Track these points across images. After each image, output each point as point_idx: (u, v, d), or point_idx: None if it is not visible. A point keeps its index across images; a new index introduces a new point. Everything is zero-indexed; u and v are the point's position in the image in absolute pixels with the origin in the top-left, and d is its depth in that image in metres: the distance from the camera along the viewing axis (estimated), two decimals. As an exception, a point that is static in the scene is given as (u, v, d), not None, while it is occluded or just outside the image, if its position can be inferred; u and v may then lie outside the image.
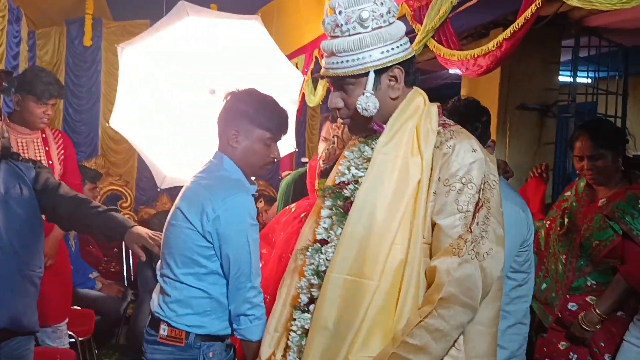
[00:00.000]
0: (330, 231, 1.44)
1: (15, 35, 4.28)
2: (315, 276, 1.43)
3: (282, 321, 1.53)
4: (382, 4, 1.36)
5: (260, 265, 1.84)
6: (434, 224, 1.33)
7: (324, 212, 1.48)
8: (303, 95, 4.62)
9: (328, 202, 1.48)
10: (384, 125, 1.41)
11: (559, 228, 2.41)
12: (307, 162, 2.78)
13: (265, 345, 1.55)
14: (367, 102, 1.36)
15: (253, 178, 1.89)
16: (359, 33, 1.35)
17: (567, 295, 2.30)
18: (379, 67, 1.37)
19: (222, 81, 2.89)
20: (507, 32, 2.29)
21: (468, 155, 1.33)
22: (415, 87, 1.46)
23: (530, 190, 2.83)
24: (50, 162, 2.84)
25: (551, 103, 3.68)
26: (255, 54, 3.08)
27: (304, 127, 6.37)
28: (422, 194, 1.34)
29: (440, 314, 1.27)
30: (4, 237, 1.94)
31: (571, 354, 2.26)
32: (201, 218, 1.69)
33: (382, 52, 1.36)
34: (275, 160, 1.88)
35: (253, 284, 1.72)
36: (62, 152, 2.93)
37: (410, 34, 2.11)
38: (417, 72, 1.46)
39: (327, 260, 1.41)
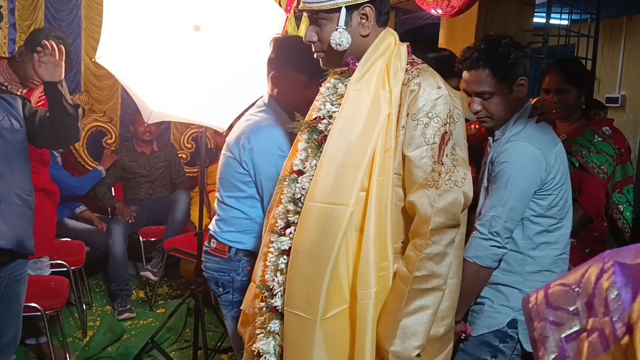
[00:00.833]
0: (306, 162, 1.55)
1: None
2: (291, 203, 1.55)
3: (264, 250, 1.65)
4: None
5: None
6: (403, 156, 1.44)
7: (300, 145, 1.59)
8: (286, 33, 4.63)
9: (305, 136, 1.58)
10: (357, 63, 1.50)
11: None
12: None
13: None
14: (340, 37, 1.46)
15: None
16: None
17: None
18: (350, 4, 1.46)
19: (206, 18, 2.93)
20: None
21: (434, 92, 1.43)
22: (387, 27, 1.55)
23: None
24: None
25: (525, 45, 3.77)
26: (238, -9, 3.09)
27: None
28: (392, 128, 1.44)
29: (434, 241, 1.39)
30: (2, 165, 2.06)
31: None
32: (239, 149, 1.96)
33: None
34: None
35: None
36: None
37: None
38: (389, 12, 1.55)
39: (302, 189, 1.52)
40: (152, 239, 4.35)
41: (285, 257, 1.54)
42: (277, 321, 1.54)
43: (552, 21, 3.80)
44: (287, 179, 1.60)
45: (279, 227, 1.58)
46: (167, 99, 2.96)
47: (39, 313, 2.83)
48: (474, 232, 1.82)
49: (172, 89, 2.91)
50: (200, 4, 2.97)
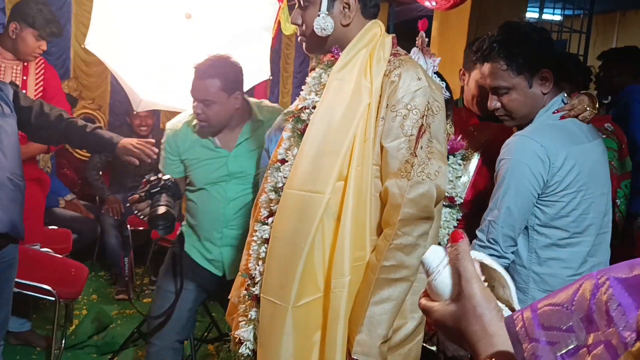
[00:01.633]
0: (289, 151, 1.55)
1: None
2: (273, 192, 1.56)
3: (249, 239, 1.66)
4: None
5: None
6: (382, 147, 1.44)
7: (285, 134, 1.60)
8: (279, 24, 4.59)
9: (289, 126, 1.59)
10: (341, 52, 1.50)
11: None
12: None
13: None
14: (324, 22, 1.47)
15: None
16: None
17: None
18: None
19: (198, 5, 2.90)
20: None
21: (413, 83, 1.42)
22: (376, 20, 1.54)
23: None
24: (25, 91, 2.86)
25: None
26: (230, -21, 3.07)
27: (279, 55, 6.36)
28: (372, 118, 1.43)
29: (404, 232, 1.38)
30: None
31: None
32: None
33: None
34: None
35: None
36: (42, 83, 2.93)
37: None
38: (377, 6, 1.55)
39: (284, 177, 1.52)
40: (140, 228, 4.32)
41: (266, 245, 1.55)
42: (257, 309, 1.54)
43: (545, 16, 3.80)
44: (271, 168, 1.61)
45: (262, 216, 1.59)
46: (157, 87, 2.94)
47: (53, 299, 2.70)
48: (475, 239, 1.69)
49: (162, 77, 2.89)
50: (192, -9, 2.94)
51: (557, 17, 4.22)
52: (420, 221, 1.40)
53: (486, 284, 0.69)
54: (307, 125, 1.52)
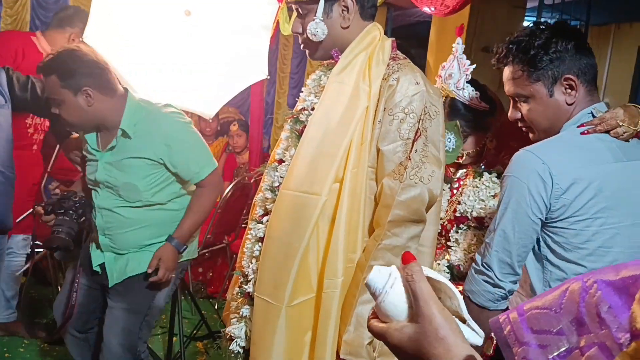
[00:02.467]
0: (286, 152, 1.56)
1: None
2: (269, 191, 1.57)
3: (244, 238, 1.67)
4: None
5: None
6: (378, 150, 1.45)
7: (283, 135, 1.61)
8: (278, 24, 4.59)
9: (288, 126, 1.60)
10: (340, 56, 1.51)
11: None
12: None
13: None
14: (316, 27, 1.48)
15: None
16: None
17: None
18: None
19: (198, 3, 2.90)
20: (472, -25, 2.38)
21: (411, 87, 1.44)
22: (374, 22, 1.56)
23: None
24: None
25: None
26: (231, -23, 3.07)
27: (276, 56, 6.36)
28: (369, 121, 1.45)
29: (393, 233, 1.39)
30: None
31: None
32: None
33: None
34: None
35: None
36: None
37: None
38: (375, 6, 1.56)
39: (280, 177, 1.54)
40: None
41: (260, 244, 1.56)
42: (249, 307, 1.55)
43: (541, 26, 3.82)
44: (268, 167, 1.62)
45: (258, 215, 1.60)
46: (153, 84, 2.93)
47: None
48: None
49: (159, 73, 2.88)
50: (192, -12, 2.94)
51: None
52: (410, 224, 1.41)
53: None
54: (305, 126, 1.53)
